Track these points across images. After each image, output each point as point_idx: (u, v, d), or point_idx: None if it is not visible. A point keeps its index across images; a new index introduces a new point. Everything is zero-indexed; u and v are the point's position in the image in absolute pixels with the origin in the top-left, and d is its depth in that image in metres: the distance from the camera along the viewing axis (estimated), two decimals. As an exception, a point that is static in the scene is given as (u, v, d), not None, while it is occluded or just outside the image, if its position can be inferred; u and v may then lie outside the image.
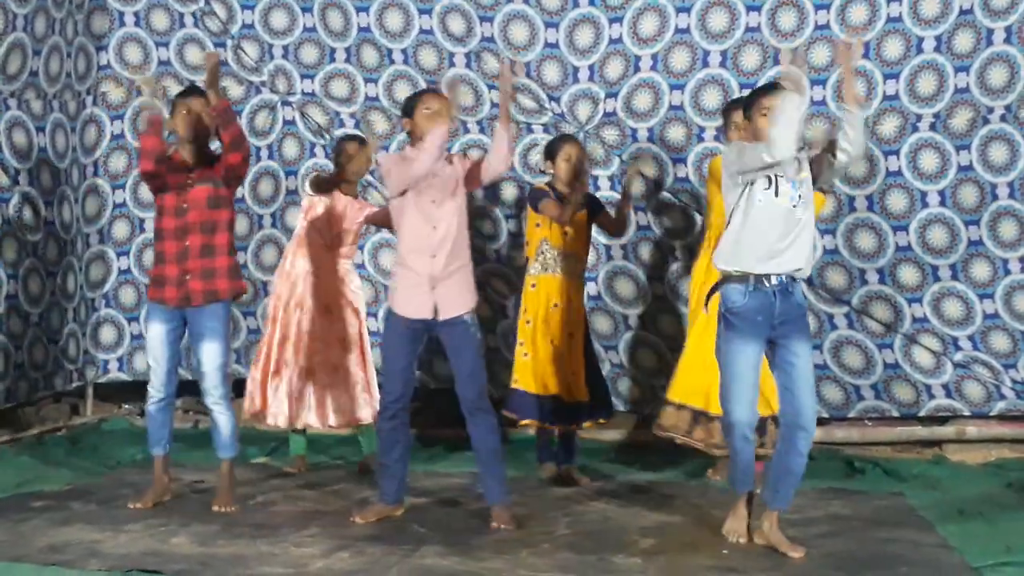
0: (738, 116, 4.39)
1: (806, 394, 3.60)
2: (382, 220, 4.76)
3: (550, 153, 4.79)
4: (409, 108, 4.03)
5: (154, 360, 4.23)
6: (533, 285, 4.76)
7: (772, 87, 3.70)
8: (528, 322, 4.74)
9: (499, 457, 4.00)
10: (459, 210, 3.98)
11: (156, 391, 4.22)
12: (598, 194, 5.45)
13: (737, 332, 3.61)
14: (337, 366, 4.82)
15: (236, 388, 5.90)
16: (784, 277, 3.59)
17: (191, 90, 4.31)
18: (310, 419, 4.82)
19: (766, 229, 3.58)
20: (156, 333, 4.21)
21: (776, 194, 3.58)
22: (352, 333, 4.86)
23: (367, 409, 4.82)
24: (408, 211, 3.96)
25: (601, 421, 4.90)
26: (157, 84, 4.15)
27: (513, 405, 4.70)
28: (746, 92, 5.08)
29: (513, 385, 4.72)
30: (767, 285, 3.59)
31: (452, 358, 4.00)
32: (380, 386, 4.59)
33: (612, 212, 4.94)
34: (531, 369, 4.70)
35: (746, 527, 3.76)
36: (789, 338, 3.60)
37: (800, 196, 3.59)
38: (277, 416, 4.79)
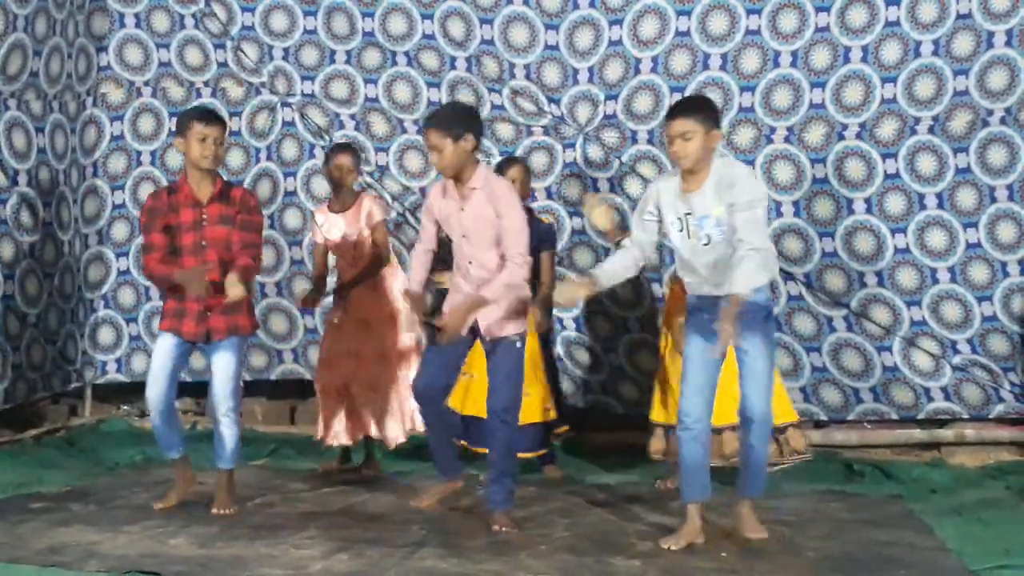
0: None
1: (753, 387, 3.68)
2: None
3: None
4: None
5: (152, 374, 4.16)
6: None
7: (674, 112, 3.67)
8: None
9: (510, 471, 4.03)
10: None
11: (156, 403, 4.17)
12: (597, 196, 5.46)
13: (688, 327, 3.80)
14: (374, 382, 4.83)
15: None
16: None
17: (210, 115, 4.16)
18: (341, 437, 4.87)
19: (692, 266, 3.73)
20: (162, 347, 4.16)
21: (688, 235, 3.68)
22: (389, 347, 4.86)
23: (397, 428, 4.86)
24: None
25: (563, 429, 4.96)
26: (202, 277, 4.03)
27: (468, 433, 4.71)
28: (746, 95, 5.13)
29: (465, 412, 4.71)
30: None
31: (488, 370, 4.07)
32: None
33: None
34: (476, 392, 4.67)
35: (689, 538, 3.71)
36: (741, 336, 3.62)
37: (708, 235, 3.62)
38: (338, 438, 4.85)
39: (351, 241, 4.84)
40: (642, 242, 3.81)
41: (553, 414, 4.87)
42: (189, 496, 4.26)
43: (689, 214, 3.66)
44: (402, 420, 4.87)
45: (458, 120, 3.90)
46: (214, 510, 4.14)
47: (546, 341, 5.00)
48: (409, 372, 4.84)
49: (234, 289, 3.92)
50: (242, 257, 4.06)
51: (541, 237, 4.75)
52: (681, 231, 3.69)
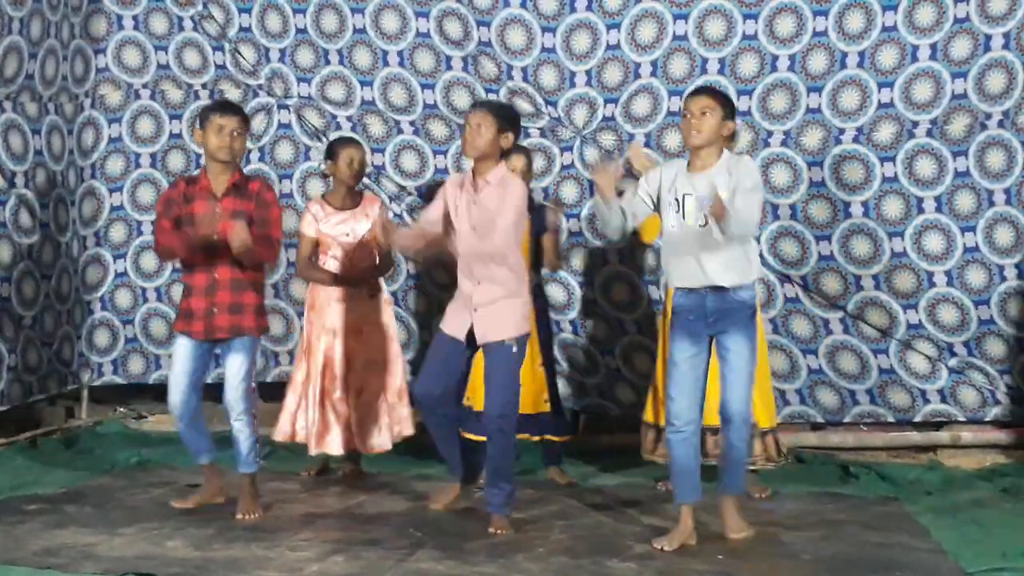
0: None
1: (734, 386, 3.69)
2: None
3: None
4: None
5: (172, 377, 4.16)
6: None
7: (698, 90, 3.86)
8: None
9: (508, 476, 4.04)
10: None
11: (177, 409, 4.16)
12: (595, 199, 5.46)
13: (673, 329, 3.80)
14: (361, 390, 4.81)
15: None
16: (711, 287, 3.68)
17: (229, 106, 4.18)
18: (333, 446, 4.80)
19: (682, 252, 3.72)
20: (181, 349, 4.16)
21: (684, 216, 3.69)
22: (378, 354, 4.84)
23: (383, 436, 4.83)
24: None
25: (555, 439, 4.88)
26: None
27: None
28: (744, 99, 5.13)
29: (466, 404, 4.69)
30: (698, 290, 3.72)
31: (484, 374, 4.08)
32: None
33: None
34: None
35: (680, 539, 3.73)
36: (725, 333, 3.70)
37: (706, 216, 3.63)
38: (334, 446, 4.77)
39: (353, 242, 4.80)
40: (634, 210, 3.80)
41: (546, 407, 4.79)
42: (217, 500, 4.25)
43: (689, 195, 3.68)
44: (390, 427, 4.84)
45: (510, 118, 4.05)
46: (239, 515, 4.11)
47: (548, 342, 4.96)
48: (397, 379, 4.84)
49: (237, 237, 3.89)
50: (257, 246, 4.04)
51: (542, 222, 4.78)
52: (677, 212, 3.70)
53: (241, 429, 4.17)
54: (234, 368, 4.13)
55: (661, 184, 3.77)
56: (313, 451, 4.79)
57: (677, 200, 3.70)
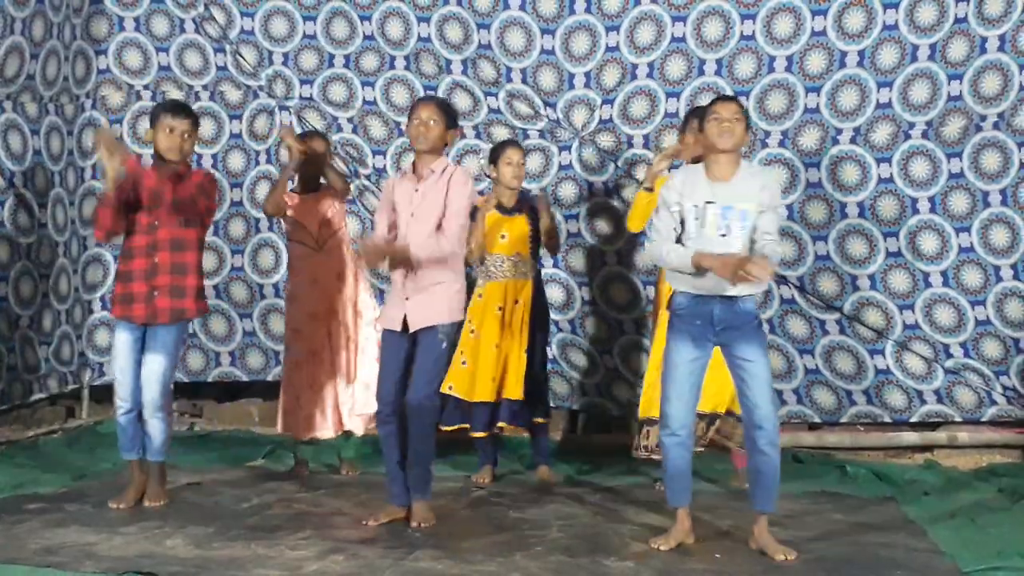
0: (695, 123, 4.42)
1: (758, 394, 3.63)
2: None
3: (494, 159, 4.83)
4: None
5: (120, 371, 4.21)
6: (479, 295, 4.81)
7: (730, 98, 3.87)
8: (472, 332, 4.76)
9: (426, 461, 4.05)
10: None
11: (124, 402, 4.21)
12: (592, 200, 5.50)
13: (675, 331, 3.73)
14: (347, 370, 4.85)
15: (227, 392, 6.01)
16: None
17: (180, 108, 4.24)
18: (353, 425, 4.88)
19: (690, 250, 3.64)
20: (123, 344, 4.20)
21: (703, 225, 3.64)
22: (343, 338, 4.86)
23: (358, 420, 4.88)
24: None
25: (538, 421, 4.87)
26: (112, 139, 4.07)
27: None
28: (742, 100, 5.14)
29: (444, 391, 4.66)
30: (707, 297, 3.66)
31: (415, 361, 4.04)
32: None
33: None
34: (467, 376, 4.73)
35: (677, 539, 3.73)
36: (736, 343, 3.65)
37: (729, 226, 3.61)
38: (323, 429, 4.83)
39: (319, 227, 4.83)
40: (671, 235, 3.72)
41: (518, 393, 4.73)
42: (155, 501, 4.26)
43: (711, 203, 3.63)
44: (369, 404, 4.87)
45: (455, 116, 4.17)
46: (147, 503, 4.21)
47: (545, 335, 4.97)
48: (369, 367, 4.85)
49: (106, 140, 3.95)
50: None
51: (531, 210, 4.84)
52: (696, 219, 3.65)
53: (156, 422, 4.20)
54: (156, 364, 4.14)
55: (682, 192, 3.69)
56: (304, 436, 4.83)
57: (697, 207, 3.66)
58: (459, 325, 4.16)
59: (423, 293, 3.99)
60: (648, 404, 4.58)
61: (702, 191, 3.66)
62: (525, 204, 4.84)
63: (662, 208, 3.73)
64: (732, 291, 3.60)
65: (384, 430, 4.07)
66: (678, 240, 3.69)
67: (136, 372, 4.19)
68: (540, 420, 4.89)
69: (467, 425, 4.80)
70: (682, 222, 3.69)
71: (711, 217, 3.62)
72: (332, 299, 4.85)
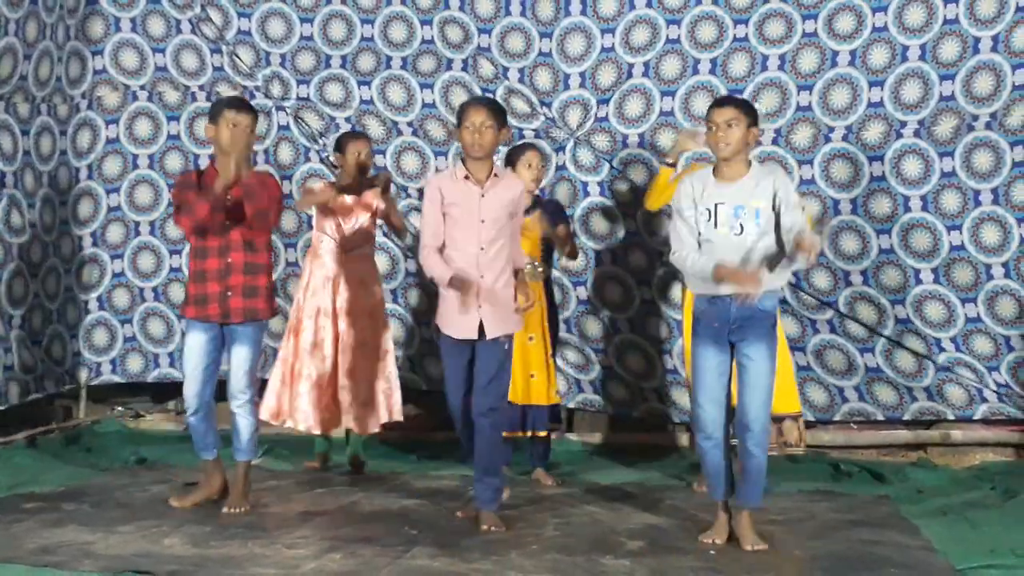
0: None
1: (752, 394, 3.67)
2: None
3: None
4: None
5: (190, 371, 4.20)
6: None
7: (722, 101, 3.79)
8: None
9: (496, 470, 4.04)
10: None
11: (190, 402, 4.21)
12: (587, 200, 5.51)
13: (697, 336, 3.77)
14: (353, 370, 4.85)
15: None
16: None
17: (239, 103, 4.23)
18: (348, 424, 4.87)
19: (717, 260, 3.65)
20: (195, 343, 4.19)
21: (716, 225, 3.66)
22: (370, 338, 4.87)
23: (374, 419, 4.88)
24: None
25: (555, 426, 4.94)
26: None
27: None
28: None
29: None
30: (724, 297, 3.68)
31: (476, 369, 4.02)
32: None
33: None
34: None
35: (724, 532, 3.79)
36: (745, 341, 3.68)
37: (742, 224, 3.63)
38: (306, 420, 4.82)
39: (354, 232, 4.87)
40: (692, 243, 3.73)
41: (557, 398, 4.86)
42: (212, 497, 4.27)
43: (721, 204, 3.66)
44: (383, 411, 4.88)
45: (505, 114, 4.09)
46: (226, 510, 4.15)
47: (555, 327, 4.98)
48: (389, 365, 4.88)
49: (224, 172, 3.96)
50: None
51: (556, 214, 4.83)
52: (708, 221, 3.68)
53: (243, 416, 4.22)
54: (241, 355, 4.19)
55: (694, 196, 3.72)
56: (285, 424, 4.83)
57: (709, 210, 3.68)
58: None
59: (498, 302, 3.97)
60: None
61: (711, 193, 3.68)
62: (541, 207, 4.79)
63: (677, 218, 3.76)
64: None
65: (468, 432, 4.05)
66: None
67: (205, 373, 4.19)
68: (555, 425, 4.95)
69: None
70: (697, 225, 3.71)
71: (723, 217, 3.65)
72: (351, 303, 4.84)
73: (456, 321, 3.99)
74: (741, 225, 3.64)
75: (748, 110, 3.73)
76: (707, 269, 3.64)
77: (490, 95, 5.46)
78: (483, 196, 3.96)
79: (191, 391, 4.20)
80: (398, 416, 4.95)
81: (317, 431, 4.89)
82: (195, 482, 4.43)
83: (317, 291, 4.87)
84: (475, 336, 3.97)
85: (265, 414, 4.80)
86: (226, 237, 4.14)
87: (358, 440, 5.01)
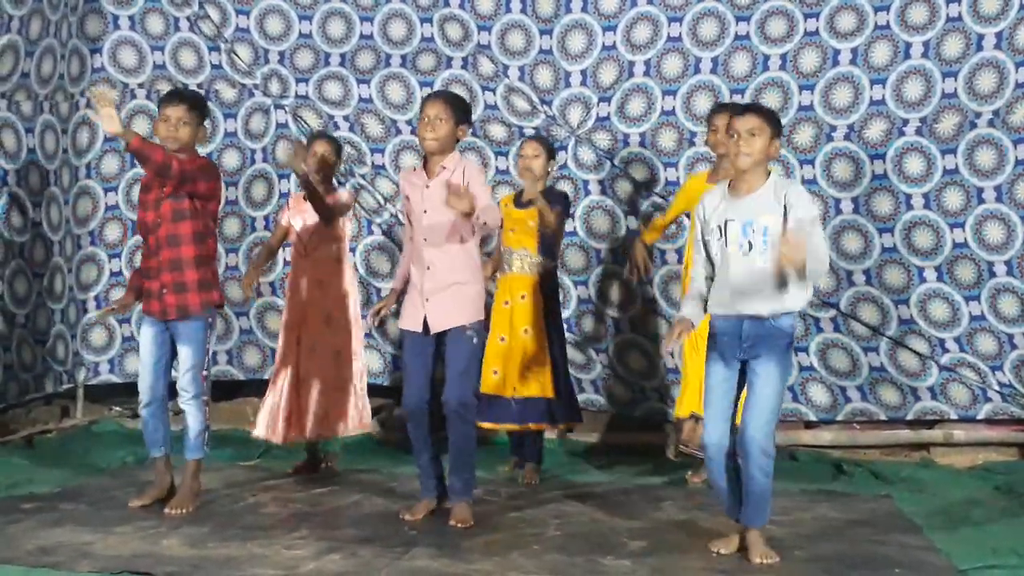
0: (720, 120, 4.42)
1: (756, 414, 3.52)
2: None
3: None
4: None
5: (141, 365, 4.26)
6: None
7: (746, 108, 3.64)
8: None
9: (468, 463, 4.04)
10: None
11: (143, 395, 4.24)
12: (589, 198, 5.50)
13: (710, 352, 3.67)
14: (325, 377, 4.81)
15: (224, 390, 5.99)
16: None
17: (172, 94, 4.21)
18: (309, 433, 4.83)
19: (723, 278, 3.57)
20: (144, 338, 4.25)
21: (726, 244, 3.54)
22: (343, 345, 4.83)
23: (346, 422, 4.84)
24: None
25: (560, 427, 4.89)
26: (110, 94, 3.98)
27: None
28: (736, 98, 5.16)
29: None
30: (735, 316, 3.58)
31: (446, 362, 4.03)
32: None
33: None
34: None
35: (734, 544, 3.70)
36: (756, 359, 3.55)
37: (750, 242, 3.49)
38: (263, 429, 4.79)
39: (310, 232, 4.80)
40: (701, 274, 3.65)
41: (551, 392, 4.77)
42: (163, 496, 4.25)
43: (731, 220, 3.52)
44: (350, 418, 4.85)
45: (465, 109, 4.03)
46: (168, 510, 4.11)
47: (557, 324, 4.93)
48: (360, 363, 4.85)
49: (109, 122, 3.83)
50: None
51: (555, 201, 4.77)
52: (719, 239, 3.55)
53: (189, 413, 4.21)
54: (183, 352, 4.19)
55: (705, 214, 3.62)
56: (280, 440, 4.79)
57: (719, 227, 3.52)
58: (482, 324, 4.08)
59: (442, 294, 3.96)
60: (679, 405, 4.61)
61: (722, 209, 3.56)
62: (547, 197, 4.70)
63: (696, 244, 3.68)
64: (762, 310, 3.51)
65: (416, 432, 4.07)
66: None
67: (156, 367, 4.21)
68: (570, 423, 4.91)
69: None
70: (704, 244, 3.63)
71: (732, 235, 3.51)
72: (306, 307, 4.81)
73: (407, 313, 4.07)
74: (749, 243, 3.49)
75: (772, 120, 3.54)
76: (680, 314, 3.65)
77: (491, 94, 5.44)
78: (427, 187, 3.97)
79: (144, 384, 4.23)
80: (367, 422, 4.91)
81: (276, 440, 4.82)
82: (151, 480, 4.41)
83: (288, 300, 4.88)
84: (420, 329, 3.98)
85: (261, 431, 4.83)
86: (156, 234, 4.13)
87: (328, 443, 4.99)
